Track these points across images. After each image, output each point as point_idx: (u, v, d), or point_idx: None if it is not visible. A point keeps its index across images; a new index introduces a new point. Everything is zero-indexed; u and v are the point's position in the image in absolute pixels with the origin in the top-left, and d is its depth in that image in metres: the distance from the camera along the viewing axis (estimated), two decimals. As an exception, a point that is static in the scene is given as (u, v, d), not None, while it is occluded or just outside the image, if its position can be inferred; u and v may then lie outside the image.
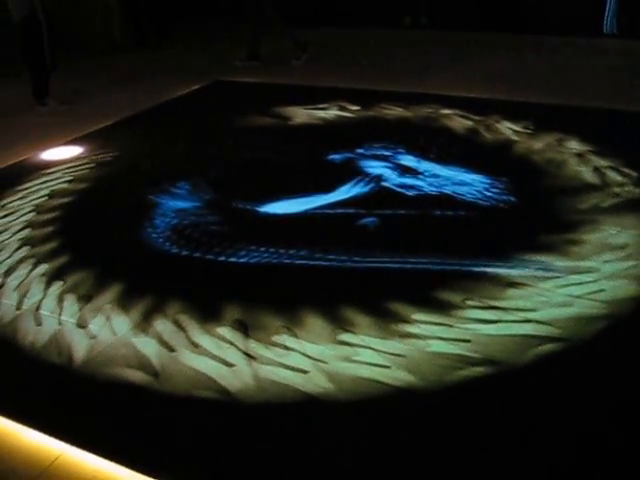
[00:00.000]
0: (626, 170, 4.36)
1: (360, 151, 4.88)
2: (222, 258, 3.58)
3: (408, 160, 4.69)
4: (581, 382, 2.62)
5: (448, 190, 4.21)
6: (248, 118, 5.79)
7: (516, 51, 7.56)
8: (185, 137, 5.51)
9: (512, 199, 4.08)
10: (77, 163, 5.04)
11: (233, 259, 3.57)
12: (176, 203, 4.23)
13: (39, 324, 3.15)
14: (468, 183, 4.30)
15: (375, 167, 4.60)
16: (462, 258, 3.45)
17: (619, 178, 4.26)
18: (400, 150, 4.86)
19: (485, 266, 3.37)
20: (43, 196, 4.50)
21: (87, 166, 4.98)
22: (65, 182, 4.72)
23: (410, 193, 4.22)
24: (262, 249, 3.63)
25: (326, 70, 7.27)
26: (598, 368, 2.70)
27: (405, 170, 4.54)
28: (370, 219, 3.89)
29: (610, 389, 2.58)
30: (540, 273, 3.29)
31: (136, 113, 6.15)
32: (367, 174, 4.50)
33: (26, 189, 4.62)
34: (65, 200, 4.45)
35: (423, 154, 4.77)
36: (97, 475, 2.30)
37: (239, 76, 7.17)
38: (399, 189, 4.28)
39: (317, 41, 8.02)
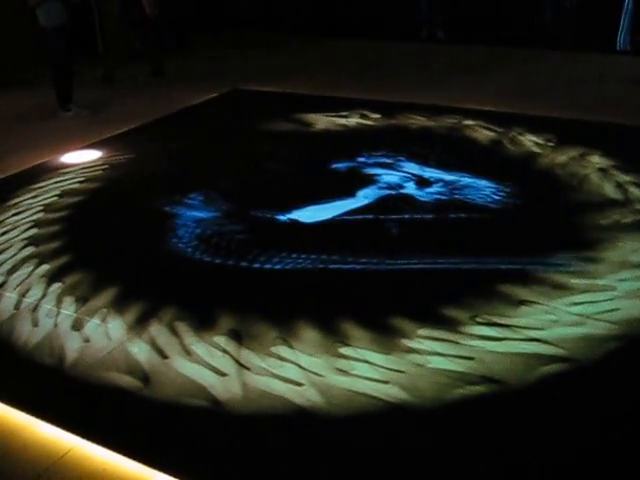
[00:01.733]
0: (650, 187, 4.19)
1: (361, 159, 4.81)
2: (257, 265, 3.51)
3: (411, 167, 4.61)
4: (585, 405, 2.48)
5: (460, 196, 4.17)
6: (263, 125, 5.72)
7: (535, 66, 7.37)
8: (200, 144, 5.46)
9: (523, 204, 4.07)
10: (91, 165, 5.03)
11: (268, 266, 3.49)
12: (193, 213, 4.16)
13: (35, 324, 3.11)
14: (478, 187, 4.25)
15: (382, 175, 4.52)
16: (488, 259, 3.43)
17: (642, 195, 4.11)
18: (401, 157, 4.78)
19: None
20: (53, 196, 4.48)
21: (100, 168, 4.96)
22: (77, 182, 4.70)
23: (423, 199, 4.15)
24: (294, 255, 3.57)
25: (345, 81, 7.17)
26: (605, 391, 2.55)
27: (413, 178, 4.46)
28: (391, 223, 3.89)
29: (616, 413, 2.44)
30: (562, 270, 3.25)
31: (156, 119, 6.11)
32: (376, 181, 4.42)
33: (39, 188, 4.61)
34: (74, 200, 4.42)
35: (425, 161, 4.70)
36: (107, 468, 2.31)
37: (258, 85, 7.11)
38: (410, 194, 4.21)
39: (335, 52, 7.95)
